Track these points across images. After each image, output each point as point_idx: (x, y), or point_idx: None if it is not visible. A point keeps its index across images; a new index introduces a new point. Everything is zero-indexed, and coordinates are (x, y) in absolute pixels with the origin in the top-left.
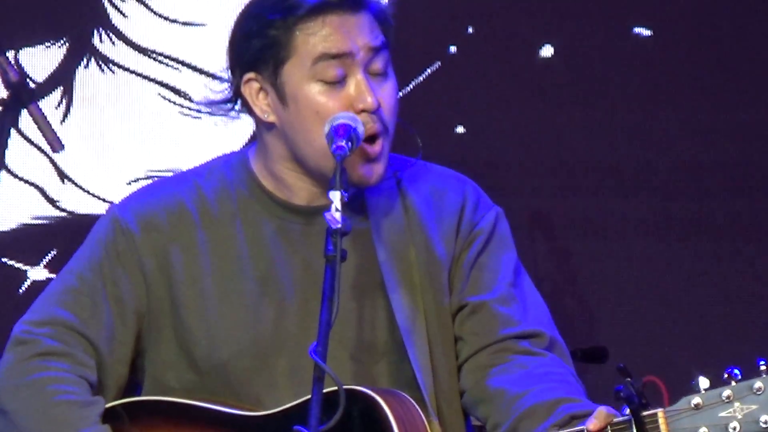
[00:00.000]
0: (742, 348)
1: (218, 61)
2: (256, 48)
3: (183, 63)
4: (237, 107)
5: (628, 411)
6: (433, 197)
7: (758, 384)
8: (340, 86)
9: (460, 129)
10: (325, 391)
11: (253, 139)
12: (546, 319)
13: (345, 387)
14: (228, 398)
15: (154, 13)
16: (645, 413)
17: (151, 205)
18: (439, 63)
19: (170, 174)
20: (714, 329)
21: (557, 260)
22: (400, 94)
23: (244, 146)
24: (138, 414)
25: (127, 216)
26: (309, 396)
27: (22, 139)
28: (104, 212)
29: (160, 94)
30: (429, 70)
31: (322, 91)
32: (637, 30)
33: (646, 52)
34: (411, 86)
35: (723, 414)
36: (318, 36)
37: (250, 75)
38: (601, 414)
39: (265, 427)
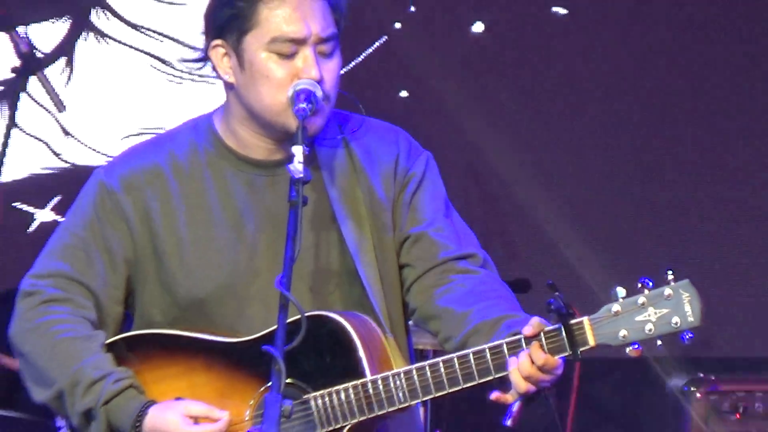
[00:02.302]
0: (651, 261)
1: (195, 34)
2: (225, 17)
3: (167, 36)
4: (204, 68)
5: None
6: (372, 147)
7: (668, 291)
8: (290, 58)
9: (403, 93)
10: (292, 319)
11: (222, 107)
12: (476, 242)
13: (312, 313)
14: (206, 328)
15: None
16: (572, 321)
17: (131, 168)
18: (386, 37)
19: (158, 132)
20: (623, 250)
21: (485, 204)
22: (354, 63)
23: (209, 112)
24: (132, 345)
25: (111, 179)
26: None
27: (31, 101)
28: (94, 171)
29: (148, 63)
30: (377, 43)
31: (275, 60)
32: (554, 9)
33: (562, 29)
34: (362, 56)
35: (639, 318)
36: (278, 15)
37: (217, 42)
38: (534, 321)
39: (240, 351)
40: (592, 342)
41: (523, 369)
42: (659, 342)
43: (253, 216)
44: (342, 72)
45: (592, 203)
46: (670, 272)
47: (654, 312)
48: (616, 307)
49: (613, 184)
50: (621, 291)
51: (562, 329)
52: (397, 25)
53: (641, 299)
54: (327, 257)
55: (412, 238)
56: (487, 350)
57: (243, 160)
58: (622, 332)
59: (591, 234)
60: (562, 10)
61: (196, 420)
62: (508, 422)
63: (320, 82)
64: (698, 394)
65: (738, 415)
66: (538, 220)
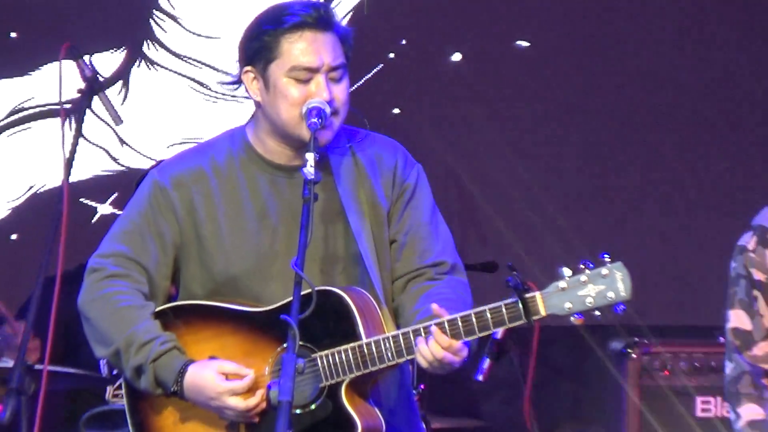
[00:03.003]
0: (592, 246)
1: (227, 62)
2: (254, 49)
3: (204, 63)
4: (238, 89)
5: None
6: (375, 158)
7: (605, 271)
8: (306, 83)
9: (396, 110)
10: (304, 293)
11: (251, 120)
12: (450, 248)
13: (321, 288)
14: (235, 299)
15: (185, 29)
16: (527, 295)
17: (179, 169)
18: (382, 65)
19: (197, 141)
20: (574, 233)
21: (462, 201)
22: (357, 85)
23: (244, 124)
24: (176, 314)
25: (163, 178)
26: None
27: (95, 116)
28: (148, 170)
29: (189, 85)
30: (375, 70)
31: (293, 84)
32: (518, 42)
33: (524, 58)
34: (363, 80)
35: (581, 293)
36: (296, 48)
37: (248, 68)
38: (434, 306)
39: (262, 318)
40: (543, 312)
41: (432, 349)
42: (597, 312)
43: (275, 209)
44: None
45: (547, 199)
46: (607, 256)
47: (593, 288)
48: (562, 284)
49: (565, 181)
50: (567, 271)
51: (519, 302)
52: (391, 55)
53: (583, 277)
54: (334, 244)
55: (398, 243)
56: (412, 331)
57: (268, 164)
58: (567, 304)
59: (547, 223)
60: (524, 43)
61: (227, 376)
62: (480, 377)
63: (330, 101)
64: (634, 355)
65: (666, 372)
66: (504, 213)
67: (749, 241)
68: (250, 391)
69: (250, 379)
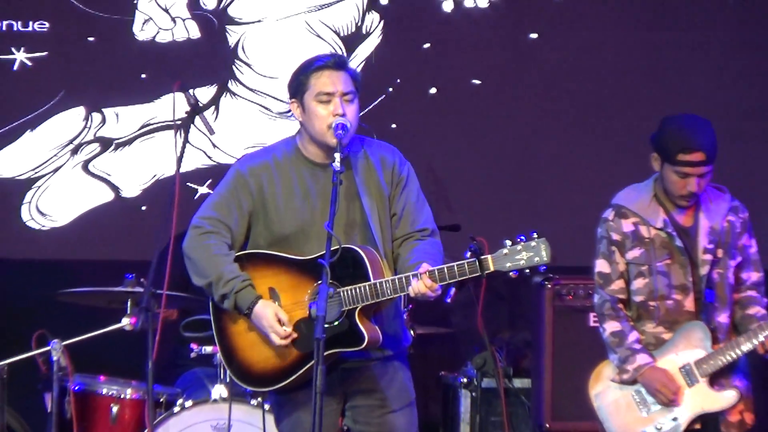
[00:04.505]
0: (525, 224)
1: (282, 94)
2: (294, 86)
3: (267, 95)
4: (289, 113)
5: (469, 255)
6: (380, 158)
7: (533, 243)
8: (327, 104)
9: (393, 125)
10: (334, 248)
11: (298, 132)
12: (430, 219)
13: (344, 246)
14: (287, 250)
15: (255, 72)
16: (482, 257)
17: (253, 163)
18: (384, 95)
19: (263, 145)
20: (516, 207)
21: (437, 186)
22: (367, 109)
23: (293, 135)
24: (248, 259)
25: (243, 168)
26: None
27: (196, 129)
28: (232, 164)
29: (258, 109)
30: (379, 99)
31: (319, 106)
32: (473, 81)
33: (480, 93)
34: (371, 106)
35: (517, 257)
36: (320, 81)
37: (293, 99)
38: (423, 265)
39: (305, 263)
40: (492, 268)
41: (419, 287)
42: (527, 271)
43: (314, 191)
44: (360, 114)
45: (499, 179)
46: (535, 234)
47: (525, 254)
48: (505, 250)
49: (516, 162)
50: (508, 242)
51: (477, 261)
52: (390, 89)
53: (519, 247)
54: (352, 216)
55: (397, 215)
56: (405, 277)
57: (309, 161)
58: (508, 264)
59: (497, 199)
60: (477, 81)
61: (279, 320)
62: (448, 300)
63: (343, 116)
64: (549, 286)
65: (570, 297)
66: (467, 187)
67: (610, 214)
68: (285, 338)
69: (288, 332)
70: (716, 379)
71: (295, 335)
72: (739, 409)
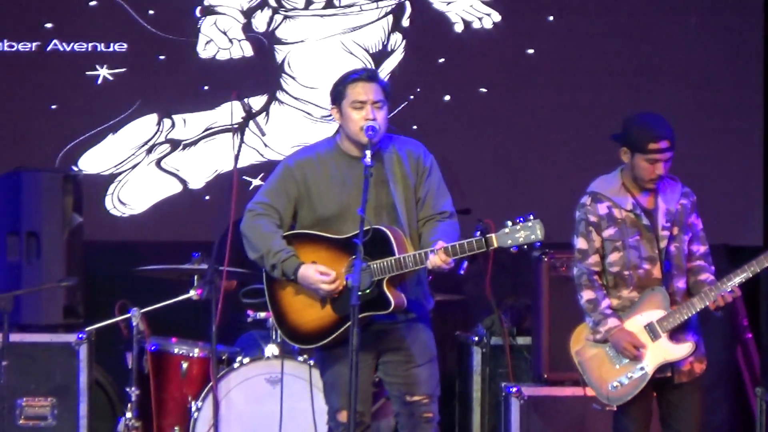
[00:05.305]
0: (524, 207)
1: (323, 102)
2: (334, 94)
3: (310, 102)
4: (329, 117)
5: (479, 234)
6: (406, 152)
7: (530, 223)
8: (361, 110)
9: (414, 127)
10: (366, 228)
11: (338, 131)
12: (449, 203)
13: (373, 227)
14: (328, 230)
15: (299, 83)
16: (488, 235)
17: (300, 158)
18: (406, 102)
19: (307, 144)
20: (521, 190)
21: (451, 175)
22: (393, 113)
23: (333, 134)
24: (294, 237)
25: (291, 163)
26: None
27: (250, 131)
28: (281, 160)
29: (302, 115)
30: (403, 104)
31: (354, 111)
32: (480, 89)
33: (486, 102)
34: (396, 110)
35: (516, 235)
36: (355, 91)
37: (333, 106)
38: (439, 244)
39: (342, 241)
40: (495, 245)
41: (435, 260)
42: (525, 247)
43: (350, 180)
44: (389, 116)
45: (503, 170)
46: (531, 216)
47: (523, 233)
48: (506, 229)
49: (517, 157)
50: (509, 222)
51: (483, 239)
52: (411, 97)
53: (518, 226)
54: (382, 201)
55: (421, 200)
56: (424, 252)
57: (347, 155)
58: (509, 241)
59: (501, 187)
60: (484, 89)
61: (321, 273)
62: (461, 272)
63: (374, 120)
64: (545, 258)
65: (564, 268)
66: (476, 178)
67: (587, 199)
68: (333, 282)
69: (332, 276)
70: (675, 335)
71: (336, 295)
72: (690, 360)
